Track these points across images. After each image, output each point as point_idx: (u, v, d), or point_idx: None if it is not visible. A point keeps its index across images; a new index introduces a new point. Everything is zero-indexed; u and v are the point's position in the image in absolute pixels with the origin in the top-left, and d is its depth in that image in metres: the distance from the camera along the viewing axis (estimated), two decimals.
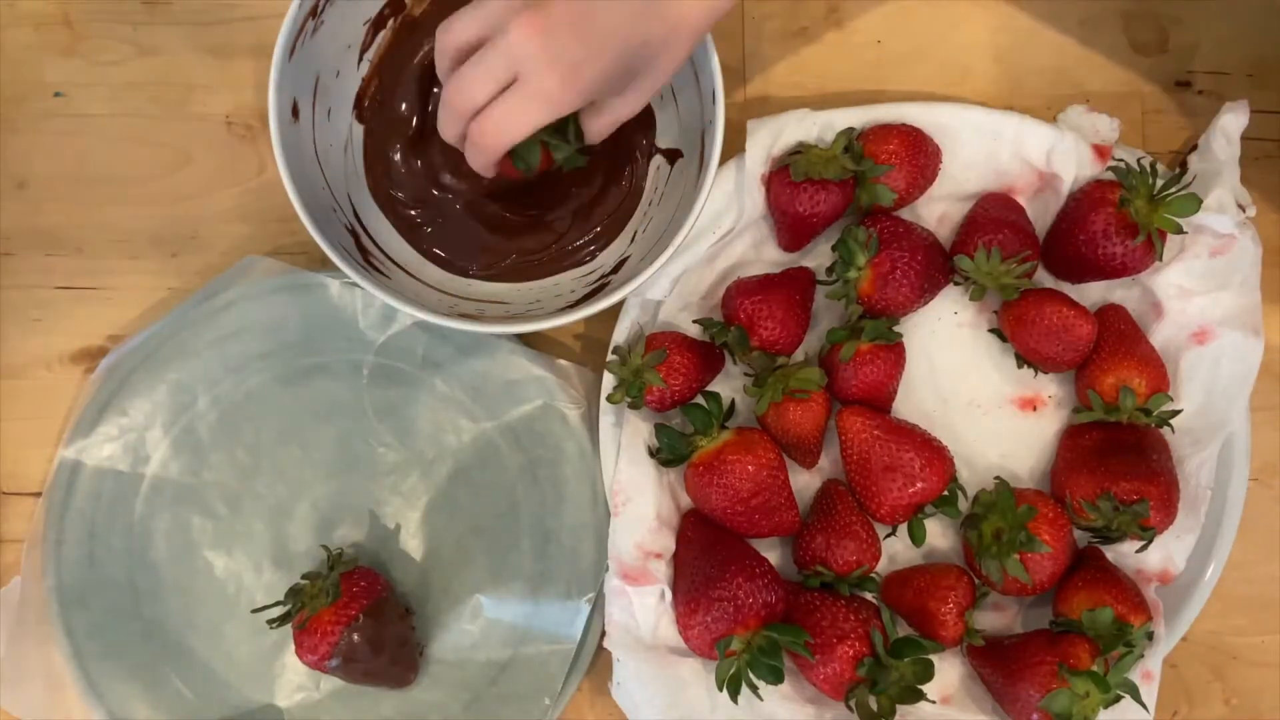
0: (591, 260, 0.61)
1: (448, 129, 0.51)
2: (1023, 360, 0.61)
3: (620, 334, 0.59)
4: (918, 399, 0.61)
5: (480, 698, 0.59)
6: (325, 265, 0.60)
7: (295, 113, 0.55)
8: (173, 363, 0.60)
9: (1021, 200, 0.61)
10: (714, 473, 0.56)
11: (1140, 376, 0.57)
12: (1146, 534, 0.56)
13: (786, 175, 0.57)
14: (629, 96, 0.51)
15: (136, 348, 0.60)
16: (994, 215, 0.59)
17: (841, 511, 0.58)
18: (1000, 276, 0.58)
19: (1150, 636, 0.56)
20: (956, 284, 0.61)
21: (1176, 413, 0.58)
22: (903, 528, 0.58)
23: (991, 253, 0.58)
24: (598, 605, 0.59)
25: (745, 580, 0.54)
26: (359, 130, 0.61)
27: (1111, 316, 0.60)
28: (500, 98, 0.48)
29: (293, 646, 0.57)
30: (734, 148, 0.59)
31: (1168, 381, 0.58)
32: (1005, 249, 0.58)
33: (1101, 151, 0.60)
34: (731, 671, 0.53)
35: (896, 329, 0.58)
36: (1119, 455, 0.57)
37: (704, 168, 0.54)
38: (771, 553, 0.59)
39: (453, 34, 0.49)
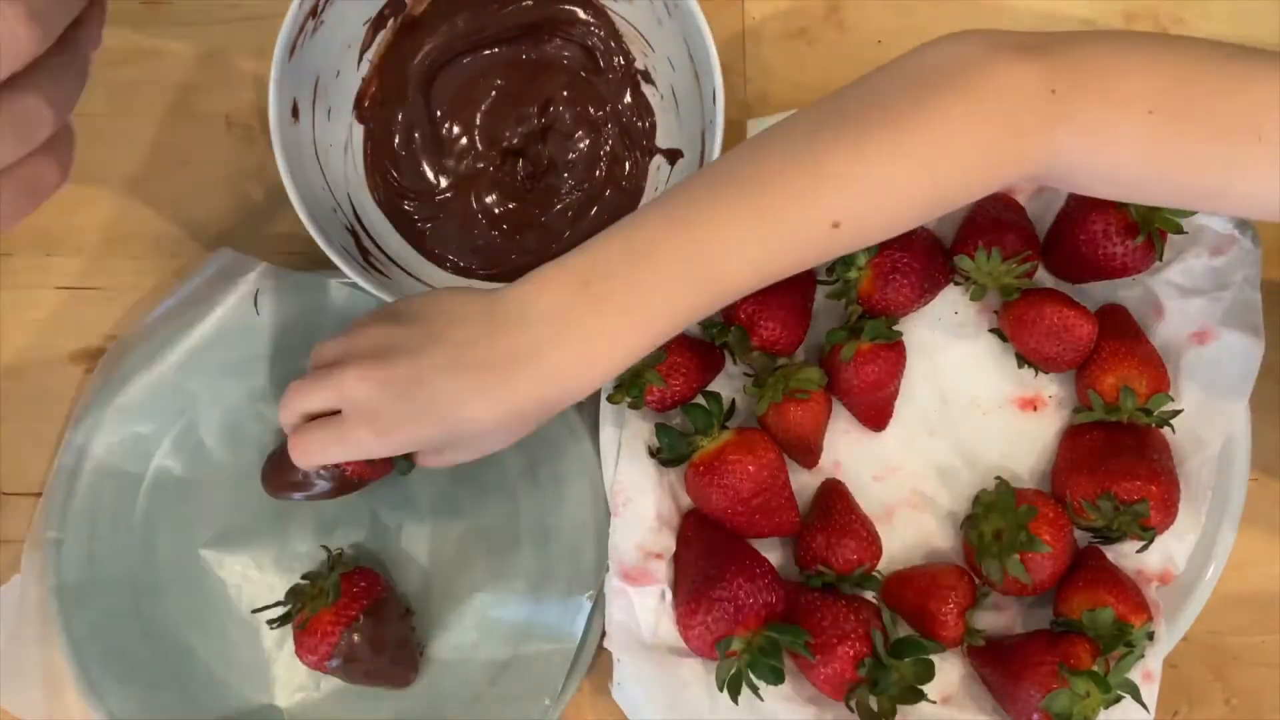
0: None
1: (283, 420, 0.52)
2: (1023, 360, 0.61)
3: None
4: (918, 399, 0.61)
5: (480, 698, 0.59)
6: (325, 265, 0.59)
7: (295, 113, 0.56)
8: (174, 363, 0.60)
9: (1021, 200, 0.61)
10: (714, 473, 0.56)
11: (1141, 376, 0.57)
12: (1147, 534, 0.56)
13: None
14: (449, 456, 0.52)
15: (138, 347, 0.60)
16: (994, 215, 0.59)
17: (841, 510, 0.58)
18: (1000, 276, 0.58)
19: (1150, 636, 0.56)
20: (957, 284, 0.61)
21: (1177, 413, 0.58)
22: (901, 527, 0.58)
23: (992, 253, 0.58)
24: (598, 605, 0.59)
25: (745, 580, 0.54)
26: (359, 130, 0.61)
27: (1112, 316, 0.60)
28: (317, 423, 0.50)
29: (293, 646, 0.57)
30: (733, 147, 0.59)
31: (1168, 381, 0.58)
32: (1005, 249, 0.58)
33: None
34: (732, 672, 0.53)
35: (896, 329, 0.58)
36: (1119, 455, 0.57)
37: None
38: (772, 553, 0.59)
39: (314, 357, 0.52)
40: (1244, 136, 0.45)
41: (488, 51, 0.62)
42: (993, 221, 0.59)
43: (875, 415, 0.60)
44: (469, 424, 0.48)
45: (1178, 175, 0.47)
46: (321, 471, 0.56)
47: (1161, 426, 0.58)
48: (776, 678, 0.52)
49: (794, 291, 0.59)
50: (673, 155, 0.60)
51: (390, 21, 0.59)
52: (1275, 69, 0.45)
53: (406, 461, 0.56)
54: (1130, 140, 0.46)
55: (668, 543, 0.58)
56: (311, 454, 0.50)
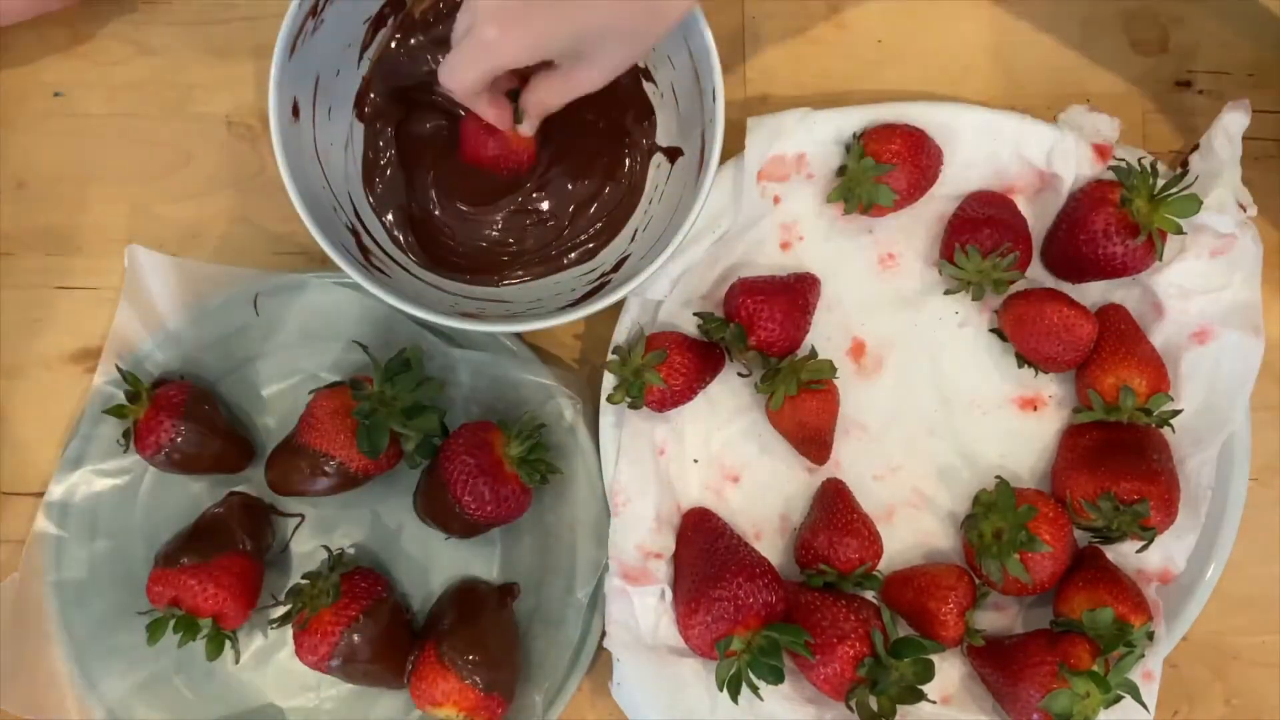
0: (592, 259, 0.61)
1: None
2: (1023, 360, 0.61)
3: (620, 334, 0.59)
4: (918, 399, 0.61)
5: None
6: (325, 265, 0.60)
7: (295, 112, 0.55)
8: (174, 363, 0.60)
9: (1022, 200, 0.61)
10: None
11: (1140, 376, 0.57)
12: (1147, 534, 0.56)
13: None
14: (591, 67, 0.51)
15: (140, 347, 0.60)
16: (970, 215, 0.60)
17: (843, 510, 0.58)
18: (989, 273, 0.58)
19: (1150, 636, 0.56)
20: (949, 293, 0.61)
21: (1176, 413, 0.58)
22: (901, 526, 0.58)
23: (969, 251, 0.58)
24: (598, 604, 0.59)
25: (745, 580, 0.54)
26: (359, 129, 0.61)
27: (1112, 316, 0.60)
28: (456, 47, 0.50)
29: (292, 646, 0.56)
30: (734, 147, 0.59)
31: (1168, 381, 0.58)
32: (983, 246, 0.58)
33: (1102, 151, 0.60)
34: (732, 671, 0.53)
35: (896, 326, 0.58)
36: (1119, 455, 0.57)
37: (704, 166, 0.54)
38: (772, 553, 0.59)
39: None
40: None
41: None
42: (968, 222, 0.59)
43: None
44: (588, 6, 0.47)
45: None
46: (326, 467, 0.56)
47: (1161, 426, 0.58)
48: (776, 677, 0.52)
49: (797, 295, 0.59)
50: (673, 153, 0.60)
51: (390, 20, 0.59)
52: None
53: (418, 454, 0.56)
54: None
55: (667, 542, 0.58)
56: (453, 72, 0.50)
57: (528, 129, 0.56)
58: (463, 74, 0.50)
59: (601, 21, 0.49)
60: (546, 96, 0.54)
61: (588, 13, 0.48)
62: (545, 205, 0.62)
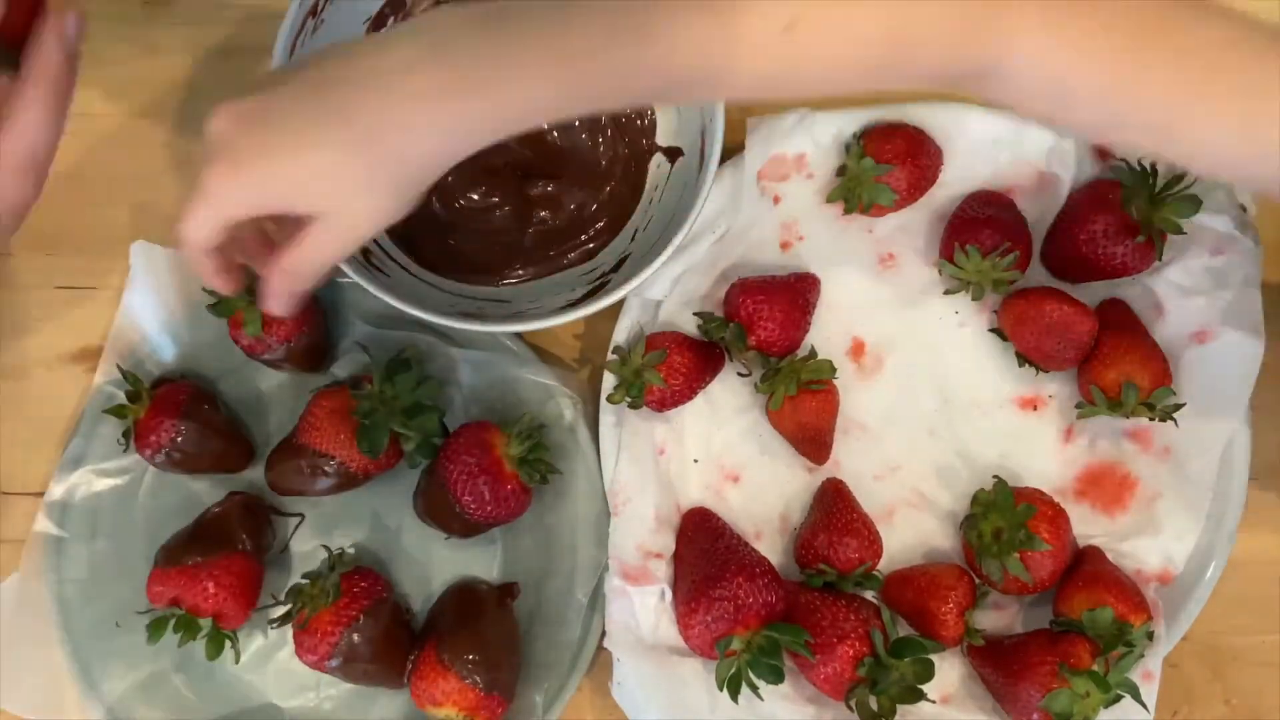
0: (592, 259, 0.61)
1: None
2: (1023, 359, 0.61)
3: (620, 333, 0.59)
4: (918, 399, 0.61)
5: None
6: None
7: None
8: (174, 363, 0.60)
9: (1022, 200, 0.61)
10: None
11: (1143, 371, 0.57)
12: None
13: None
14: (316, 233, 0.44)
15: (140, 347, 0.60)
16: (970, 215, 0.60)
17: (842, 509, 0.58)
18: (989, 273, 0.58)
19: (1150, 636, 0.56)
20: (949, 293, 0.61)
21: (1180, 406, 0.58)
22: (901, 526, 0.58)
23: (969, 251, 0.58)
24: (598, 604, 0.59)
25: (745, 580, 0.54)
26: None
27: (1113, 311, 0.60)
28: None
29: (293, 646, 0.56)
30: (734, 147, 0.59)
31: (1170, 375, 0.58)
32: (983, 246, 0.58)
33: (1102, 151, 0.60)
34: (732, 671, 0.53)
35: (896, 326, 0.58)
36: None
37: (704, 166, 0.54)
38: (772, 553, 0.59)
39: None
40: (1200, 72, 0.41)
41: None
42: (969, 222, 0.59)
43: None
44: (314, 154, 0.42)
45: (1123, 98, 0.42)
46: (326, 467, 0.56)
47: (1165, 420, 0.58)
48: (776, 677, 0.52)
49: (797, 296, 0.59)
50: (673, 153, 0.61)
51: (390, 20, 0.59)
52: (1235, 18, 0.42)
53: (418, 454, 0.57)
54: (1086, 48, 0.41)
55: (667, 542, 0.58)
56: (185, 224, 0.43)
57: (275, 305, 0.47)
58: (190, 225, 0.43)
59: (320, 165, 0.42)
60: (288, 261, 0.45)
61: (304, 155, 0.42)
62: (545, 206, 0.62)
